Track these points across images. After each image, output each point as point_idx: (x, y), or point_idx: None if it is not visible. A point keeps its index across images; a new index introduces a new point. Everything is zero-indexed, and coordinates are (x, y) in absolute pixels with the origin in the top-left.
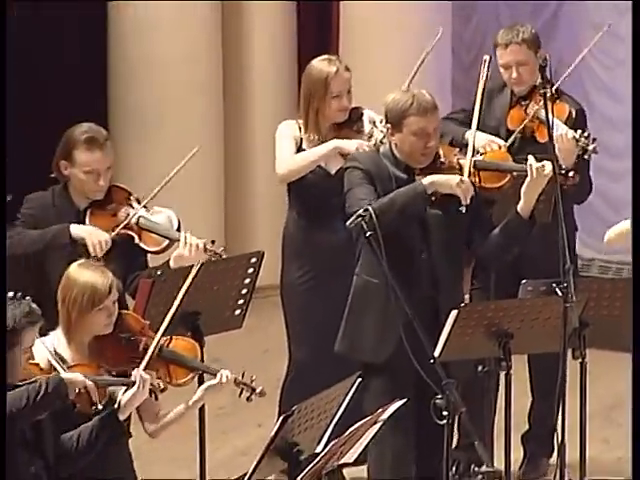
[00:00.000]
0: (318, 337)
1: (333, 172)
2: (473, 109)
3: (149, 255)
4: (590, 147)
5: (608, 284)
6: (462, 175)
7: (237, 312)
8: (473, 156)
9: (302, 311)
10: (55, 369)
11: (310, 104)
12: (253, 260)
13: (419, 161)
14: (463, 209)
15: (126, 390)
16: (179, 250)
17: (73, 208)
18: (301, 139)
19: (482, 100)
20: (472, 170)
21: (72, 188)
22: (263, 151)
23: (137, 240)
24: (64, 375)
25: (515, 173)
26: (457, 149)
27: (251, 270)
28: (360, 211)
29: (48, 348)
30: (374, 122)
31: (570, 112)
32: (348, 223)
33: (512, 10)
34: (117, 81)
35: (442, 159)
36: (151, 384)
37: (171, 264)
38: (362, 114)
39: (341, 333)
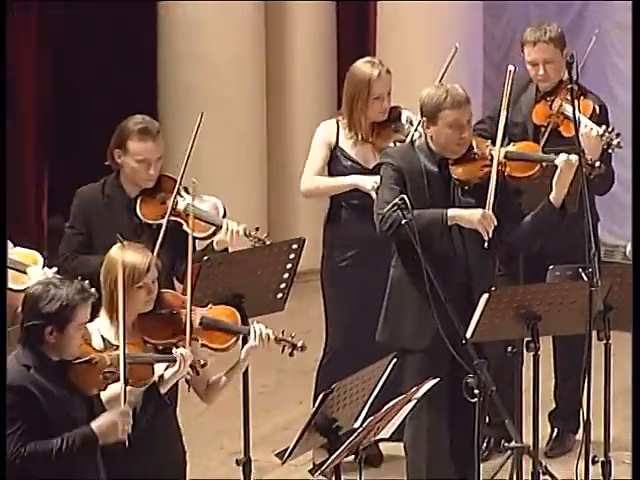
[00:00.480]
0: (353, 322)
1: (371, 167)
2: (499, 114)
3: (196, 241)
4: (615, 142)
5: (631, 269)
6: (491, 165)
7: (279, 295)
8: (503, 147)
9: (339, 297)
10: (106, 349)
11: (353, 105)
12: (294, 246)
13: (454, 152)
14: (486, 244)
15: (167, 367)
16: (221, 236)
17: (124, 197)
18: (337, 139)
19: (508, 107)
20: (502, 160)
21: (124, 177)
22: (304, 142)
23: (185, 227)
24: (95, 425)
25: (544, 163)
26: (489, 141)
27: (292, 256)
28: (396, 200)
29: (94, 331)
30: (411, 121)
31: (594, 108)
32: (385, 211)
33: (540, 9)
34: (166, 75)
35: (475, 150)
36: (192, 361)
37: (215, 248)
38: (400, 114)
39: (381, 323)
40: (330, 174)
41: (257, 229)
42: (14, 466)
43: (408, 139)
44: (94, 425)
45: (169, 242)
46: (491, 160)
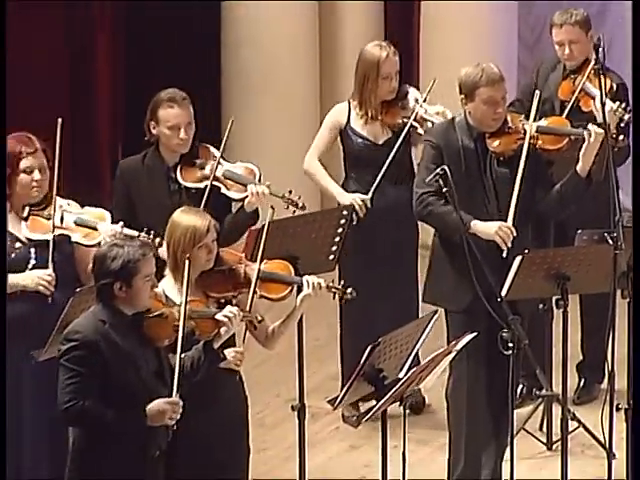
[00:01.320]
0: (364, 292)
1: (380, 143)
2: (532, 94)
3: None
4: (626, 117)
5: None
6: (524, 139)
7: (331, 257)
8: (535, 121)
9: (355, 268)
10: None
11: (364, 85)
12: (345, 212)
13: (490, 126)
14: (504, 254)
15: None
16: (248, 197)
17: (163, 165)
18: (348, 119)
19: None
20: (534, 134)
21: (162, 146)
22: None
23: (224, 190)
24: (147, 408)
25: (573, 137)
26: (523, 116)
27: (343, 221)
28: (438, 170)
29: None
30: (416, 99)
31: (612, 86)
32: (428, 180)
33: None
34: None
35: (509, 124)
36: (249, 318)
37: (245, 208)
38: (407, 92)
39: (425, 285)
40: (344, 152)
41: (290, 192)
42: (62, 413)
43: (413, 116)
44: (147, 408)
45: (210, 205)
46: (524, 134)
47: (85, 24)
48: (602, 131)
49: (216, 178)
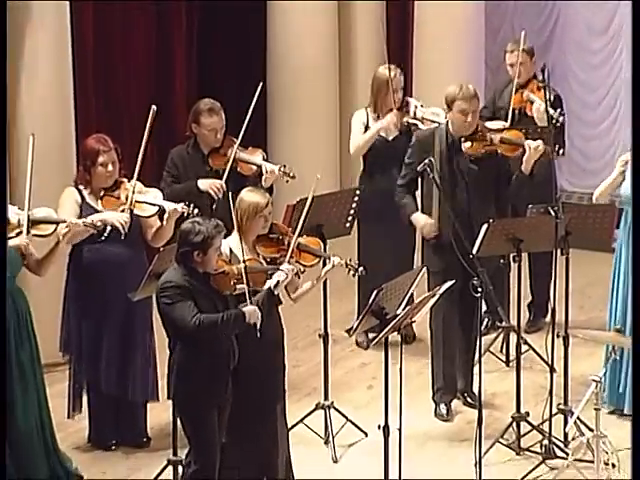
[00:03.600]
0: (375, 253)
1: (390, 139)
2: (494, 108)
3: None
4: (555, 116)
5: (583, 208)
6: (491, 146)
7: (347, 225)
8: (499, 133)
9: (366, 236)
10: (231, 261)
11: (378, 96)
12: (357, 192)
13: (462, 131)
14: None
15: (272, 274)
16: (265, 174)
17: (200, 152)
18: (367, 120)
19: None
20: (498, 143)
21: (200, 140)
22: None
23: (239, 169)
24: (244, 309)
25: (525, 147)
26: (491, 123)
27: (356, 198)
28: (426, 161)
29: (226, 249)
30: (416, 106)
31: (547, 96)
32: (419, 168)
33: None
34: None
35: (480, 132)
36: (297, 270)
37: (263, 185)
38: (409, 102)
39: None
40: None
41: (284, 166)
42: (193, 329)
43: (412, 119)
44: (244, 309)
45: (231, 181)
46: (490, 142)
47: (167, 40)
48: (539, 144)
49: (235, 160)
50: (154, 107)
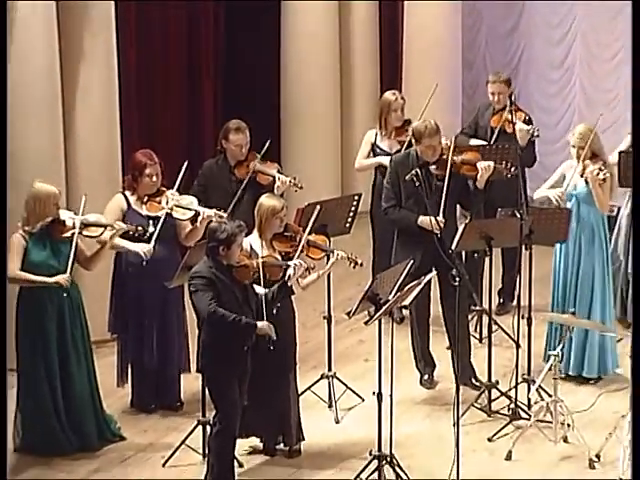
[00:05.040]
0: (383, 242)
1: (393, 151)
2: (477, 127)
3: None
4: (535, 134)
5: (544, 211)
6: (453, 166)
7: (347, 225)
8: (459, 156)
9: (378, 228)
10: (251, 256)
11: (382, 116)
12: (356, 197)
13: (429, 158)
14: (438, 235)
15: (285, 268)
16: (277, 183)
17: (227, 164)
18: (375, 138)
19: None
20: (459, 164)
21: (228, 154)
22: (361, 125)
23: (258, 179)
24: (258, 324)
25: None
26: (453, 150)
27: (355, 202)
28: (413, 172)
29: (246, 245)
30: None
31: (525, 117)
32: (407, 177)
33: (495, 65)
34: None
35: (444, 157)
36: (307, 266)
37: (276, 192)
38: (409, 121)
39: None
40: (374, 156)
41: (295, 178)
42: (208, 315)
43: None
44: (258, 323)
45: (250, 190)
46: (452, 165)
47: (196, 71)
48: (490, 164)
49: (255, 171)
50: (186, 163)
